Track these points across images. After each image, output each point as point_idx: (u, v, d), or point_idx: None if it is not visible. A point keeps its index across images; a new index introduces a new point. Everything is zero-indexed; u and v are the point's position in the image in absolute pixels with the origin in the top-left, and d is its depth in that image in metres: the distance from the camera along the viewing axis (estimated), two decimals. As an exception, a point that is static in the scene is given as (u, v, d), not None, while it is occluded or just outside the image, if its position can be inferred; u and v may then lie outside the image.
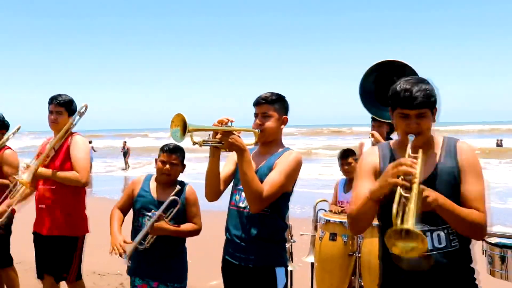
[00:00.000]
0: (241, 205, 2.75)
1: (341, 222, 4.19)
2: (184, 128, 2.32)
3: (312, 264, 4.52)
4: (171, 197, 3.20)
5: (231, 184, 2.91)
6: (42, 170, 3.68)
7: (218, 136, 2.51)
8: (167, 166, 3.31)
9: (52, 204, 3.76)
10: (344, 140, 43.90)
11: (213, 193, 2.77)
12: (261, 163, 2.77)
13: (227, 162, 2.93)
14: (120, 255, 3.07)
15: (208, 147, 2.58)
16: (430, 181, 2.13)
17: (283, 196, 2.68)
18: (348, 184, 4.69)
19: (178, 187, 3.28)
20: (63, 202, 3.76)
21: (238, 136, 2.56)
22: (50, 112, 3.86)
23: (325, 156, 29.18)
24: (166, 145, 3.39)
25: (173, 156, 3.32)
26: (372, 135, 4.91)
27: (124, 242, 3.12)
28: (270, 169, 2.69)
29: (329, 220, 4.24)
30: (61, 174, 3.69)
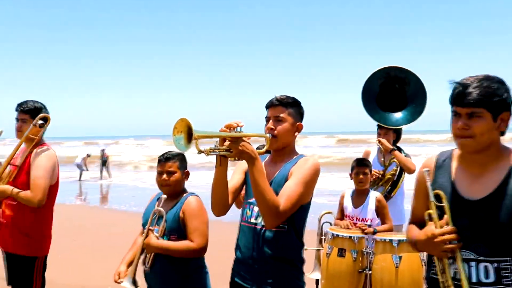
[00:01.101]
0: (253, 220, 2.46)
1: (350, 237, 3.90)
2: (190, 135, 2.02)
3: (317, 281, 4.24)
4: (155, 209, 2.92)
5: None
6: (3, 187, 3.41)
7: (226, 143, 2.21)
8: (164, 176, 3.00)
9: (11, 221, 3.48)
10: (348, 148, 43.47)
11: (220, 207, 2.47)
12: (274, 173, 2.48)
13: (235, 171, 2.63)
14: (116, 281, 2.92)
15: (214, 156, 2.27)
16: (489, 200, 1.86)
17: (300, 209, 2.39)
18: (357, 197, 4.37)
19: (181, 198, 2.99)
20: (23, 220, 3.45)
21: (249, 142, 2.25)
22: (16, 119, 3.57)
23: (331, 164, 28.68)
24: (161, 155, 3.10)
25: (168, 164, 3.01)
26: (379, 142, 4.76)
27: (129, 265, 2.93)
28: (285, 178, 2.41)
29: (338, 235, 3.95)
30: (16, 192, 3.39)
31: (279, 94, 2.54)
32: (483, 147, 1.87)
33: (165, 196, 2.99)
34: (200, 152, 2.10)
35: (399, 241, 3.70)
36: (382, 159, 4.77)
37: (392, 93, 4.69)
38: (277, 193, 2.30)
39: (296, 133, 2.54)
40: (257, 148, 2.80)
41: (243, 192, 2.65)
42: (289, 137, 2.50)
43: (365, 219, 4.22)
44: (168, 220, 2.91)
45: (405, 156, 4.73)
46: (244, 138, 2.24)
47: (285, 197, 2.28)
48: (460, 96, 1.83)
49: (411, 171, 4.70)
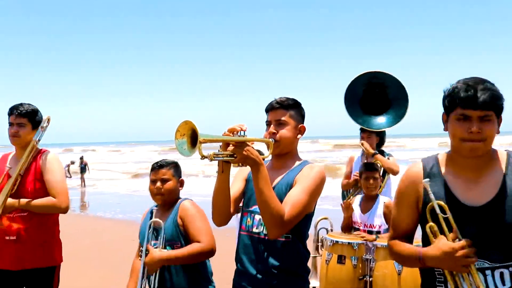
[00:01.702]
0: (255, 230, 2.32)
1: (349, 243, 3.80)
2: (194, 139, 1.89)
3: (315, 289, 4.13)
4: (150, 221, 2.78)
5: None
6: (11, 201, 3.13)
7: (230, 147, 2.08)
8: (158, 183, 2.86)
9: (25, 234, 3.19)
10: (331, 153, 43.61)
11: (222, 216, 2.34)
12: (277, 179, 2.35)
13: (236, 179, 2.50)
14: None
15: (208, 163, 2.14)
16: (494, 205, 1.81)
17: (305, 218, 2.27)
18: (365, 202, 4.25)
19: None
20: (37, 230, 3.22)
21: (253, 147, 2.13)
22: (11, 124, 3.29)
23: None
24: (154, 162, 2.96)
25: (162, 171, 2.87)
26: (362, 145, 4.75)
27: None
28: (289, 186, 2.29)
29: (337, 241, 3.85)
30: (36, 202, 3.15)
31: (278, 96, 2.43)
32: (488, 150, 1.86)
33: (155, 207, 2.88)
34: (203, 157, 1.96)
35: (401, 247, 3.60)
36: (365, 161, 4.74)
37: (374, 97, 4.74)
38: (279, 201, 2.18)
39: (299, 136, 2.42)
40: None
41: None
42: (292, 141, 2.39)
43: (373, 225, 4.08)
44: (166, 230, 2.76)
45: (388, 158, 4.73)
46: (248, 143, 2.12)
47: (290, 206, 2.16)
48: (471, 99, 1.76)
49: (395, 173, 4.70)
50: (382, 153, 4.79)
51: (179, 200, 2.89)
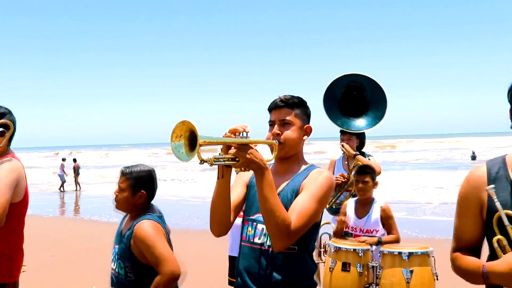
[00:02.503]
0: (257, 240, 2.15)
1: (354, 250, 3.63)
2: (193, 142, 1.71)
3: (318, 298, 3.94)
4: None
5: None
6: None
7: (232, 150, 1.90)
8: (115, 190, 2.75)
9: None
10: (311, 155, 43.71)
11: (221, 226, 2.16)
12: (281, 185, 2.18)
13: (236, 184, 2.31)
14: None
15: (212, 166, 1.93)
16: None
17: (312, 227, 2.10)
18: (360, 206, 4.11)
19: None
20: None
21: (256, 150, 1.96)
22: None
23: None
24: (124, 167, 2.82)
25: (121, 179, 2.73)
26: (342, 146, 4.75)
27: None
28: (295, 193, 2.12)
29: (340, 248, 3.67)
30: None
31: (282, 94, 2.26)
32: None
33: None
34: (202, 161, 1.78)
35: (410, 254, 3.44)
36: (346, 162, 4.76)
37: (352, 100, 4.78)
38: (286, 209, 2.01)
39: (305, 137, 2.25)
40: None
41: None
42: (298, 143, 2.22)
43: (370, 230, 3.97)
44: (121, 244, 2.63)
45: (368, 159, 4.73)
46: (251, 145, 1.94)
47: (297, 215, 1.98)
48: None
49: (377, 174, 4.62)
50: (363, 154, 4.81)
51: (140, 217, 2.67)
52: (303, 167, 2.23)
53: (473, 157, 34.08)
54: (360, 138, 4.93)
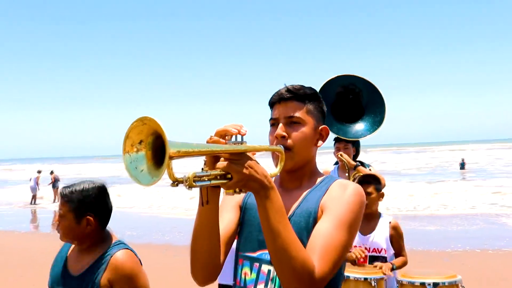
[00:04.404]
0: None
1: (366, 279, 3.02)
2: (161, 152, 1.07)
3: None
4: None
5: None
6: None
7: (221, 163, 1.27)
8: (56, 218, 2.17)
9: None
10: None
11: (208, 270, 1.52)
12: (290, 208, 1.56)
13: (223, 208, 1.67)
14: None
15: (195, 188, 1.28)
16: None
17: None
18: (365, 222, 3.50)
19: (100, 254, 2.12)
20: None
21: (256, 161, 1.33)
22: None
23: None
24: (63, 187, 2.22)
25: (60, 203, 2.17)
26: (341, 156, 4.23)
27: None
28: (312, 217, 1.51)
29: (349, 277, 3.06)
30: None
31: (289, 83, 1.65)
32: None
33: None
34: (176, 182, 1.16)
35: (435, 285, 2.84)
36: (347, 174, 4.22)
37: (347, 104, 4.31)
38: (301, 242, 1.38)
39: (320, 142, 1.64)
40: None
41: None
42: (310, 149, 1.61)
43: (377, 249, 3.36)
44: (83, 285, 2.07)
45: (369, 169, 4.29)
46: (249, 154, 1.32)
47: (321, 253, 1.36)
48: None
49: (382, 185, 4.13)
50: (362, 164, 4.32)
51: (108, 245, 2.14)
52: (319, 180, 1.62)
53: (462, 166, 33.34)
54: (356, 146, 4.46)
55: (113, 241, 2.16)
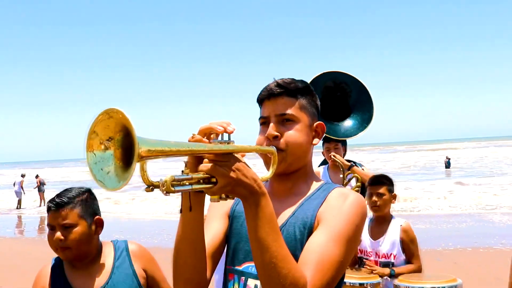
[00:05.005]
0: None
1: (361, 285, 2.87)
2: (129, 151, 0.90)
3: None
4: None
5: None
6: None
7: (205, 165, 1.11)
8: (58, 234, 1.88)
9: None
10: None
11: (193, 286, 1.34)
12: (283, 216, 1.40)
13: (210, 217, 1.51)
14: None
15: (179, 194, 1.12)
16: None
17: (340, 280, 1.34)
18: (376, 225, 3.33)
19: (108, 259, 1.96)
20: None
21: (246, 164, 1.17)
22: None
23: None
24: (51, 198, 1.96)
25: (62, 213, 1.89)
26: (334, 157, 4.05)
27: None
28: (307, 228, 1.35)
29: (344, 282, 2.89)
30: None
31: (279, 77, 1.49)
32: None
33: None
34: (151, 186, 0.99)
35: (435, 291, 2.69)
36: (341, 175, 4.06)
37: (333, 102, 4.19)
38: (293, 255, 1.23)
39: (316, 140, 1.48)
40: None
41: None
42: (306, 149, 1.45)
43: (387, 255, 3.17)
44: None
45: (362, 169, 4.14)
46: (237, 155, 1.15)
47: (315, 269, 1.21)
48: None
49: None
50: (355, 164, 4.18)
51: (115, 245, 2.02)
52: (315, 185, 1.46)
53: (448, 165, 33.31)
54: (344, 145, 4.32)
55: (108, 242, 2.04)
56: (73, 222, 1.88)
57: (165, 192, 0.99)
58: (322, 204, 1.37)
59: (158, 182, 0.99)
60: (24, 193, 21.42)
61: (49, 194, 22.22)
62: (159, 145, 0.91)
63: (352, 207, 1.33)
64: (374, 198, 3.27)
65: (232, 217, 1.48)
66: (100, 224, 1.99)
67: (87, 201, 1.95)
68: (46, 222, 1.98)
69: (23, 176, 22.55)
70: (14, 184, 21.65)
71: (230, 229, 1.47)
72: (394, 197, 3.36)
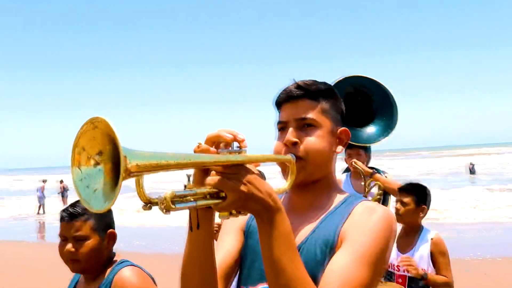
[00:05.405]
0: None
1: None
2: (116, 166, 0.79)
3: None
4: None
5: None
6: None
7: (212, 178, 0.99)
8: (69, 246, 1.84)
9: None
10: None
11: None
12: (302, 233, 1.27)
13: (224, 232, 1.39)
14: None
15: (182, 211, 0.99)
16: None
17: None
18: (404, 237, 3.13)
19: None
20: None
21: (259, 175, 1.04)
22: None
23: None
24: (63, 209, 1.92)
25: (75, 225, 1.85)
26: (355, 163, 3.91)
27: None
28: (329, 247, 1.21)
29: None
30: None
31: (300, 79, 1.36)
32: None
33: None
34: (149, 204, 0.87)
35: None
36: (362, 183, 3.91)
37: (356, 107, 3.96)
38: (312, 278, 1.10)
39: (339, 148, 1.34)
40: None
41: None
42: (328, 157, 1.31)
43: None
44: None
45: (385, 176, 3.98)
46: (249, 166, 1.03)
47: None
48: None
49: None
50: (377, 171, 4.02)
51: (113, 265, 1.90)
52: (338, 198, 1.32)
53: (472, 170, 32.43)
54: (367, 152, 4.16)
55: (118, 259, 1.94)
56: (86, 235, 1.84)
57: (164, 210, 0.86)
58: (346, 220, 1.22)
59: (157, 199, 0.86)
60: (45, 198, 21.71)
61: (72, 200, 22.48)
62: (153, 158, 0.79)
63: (380, 223, 1.18)
64: (398, 205, 3.08)
65: (247, 233, 1.34)
66: (112, 238, 1.95)
67: (101, 213, 1.86)
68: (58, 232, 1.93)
69: (44, 181, 22.86)
70: (36, 190, 21.96)
71: (245, 246, 1.34)
72: (422, 210, 3.09)
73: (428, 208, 3.12)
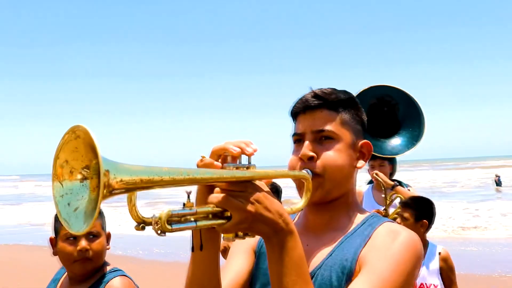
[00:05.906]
0: None
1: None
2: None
3: None
4: None
5: None
6: None
7: (215, 196, 0.89)
8: (83, 243, 1.80)
9: None
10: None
11: None
12: (318, 257, 1.15)
13: (234, 252, 1.28)
14: None
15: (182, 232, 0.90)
16: None
17: None
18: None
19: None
20: None
21: (269, 194, 0.94)
22: None
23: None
24: None
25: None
26: (377, 174, 3.79)
27: None
28: (346, 273, 1.09)
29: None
30: None
31: (317, 88, 1.26)
32: None
33: (63, 276, 1.94)
34: (142, 224, 0.78)
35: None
36: (383, 195, 3.78)
37: (381, 118, 3.93)
38: None
39: (360, 163, 1.23)
40: None
41: None
42: (348, 174, 1.20)
43: (425, 284, 2.89)
44: None
45: (408, 189, 3.87)
46: (258, 183, 0.92)
47: None
48: None
49: None
50: (400, 184, 3.90)
51: (105, 272, 1.86)
52: (359, 218, 1.21)
53: (498, 183, 31.45)
54: (392, 163, 4.04)
55: (109, 268, 1.90)
56: (99, 231, 1.85)
57: (159, 231, 0.77)
58: (366, 243, 1.11)
59: (151, 218, 0.77)
60: None
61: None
62: (143, 173, 0.69)
63: (404, 248, 1.06)
64: (398, 220, 2.96)
65: (259, 254, 1.24)
66: (109, 239, 1.96)
67: (102, 213, 1.91)
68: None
69: None
70: None
71: (256, 268, 1.23)
72: (423, 225, 2.97)
73: (431, 223, 3.03)
